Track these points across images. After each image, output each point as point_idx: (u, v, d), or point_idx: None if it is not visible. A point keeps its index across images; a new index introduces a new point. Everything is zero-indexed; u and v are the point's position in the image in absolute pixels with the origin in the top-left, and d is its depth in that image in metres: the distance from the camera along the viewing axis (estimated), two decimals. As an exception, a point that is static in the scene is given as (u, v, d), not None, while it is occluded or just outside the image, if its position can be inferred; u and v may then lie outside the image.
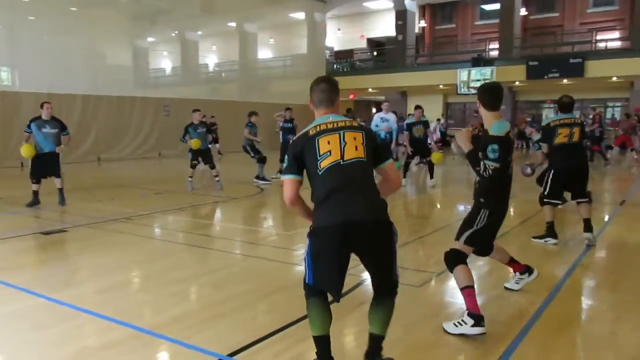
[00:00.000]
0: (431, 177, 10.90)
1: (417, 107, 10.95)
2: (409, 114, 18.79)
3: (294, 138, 2.84)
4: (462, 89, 24.15)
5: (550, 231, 5.89)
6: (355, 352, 3.24)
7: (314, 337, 2.77)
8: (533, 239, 5.97)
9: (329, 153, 2.65)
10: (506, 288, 4.26)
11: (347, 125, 2.74)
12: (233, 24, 28.92)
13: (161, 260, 5.46)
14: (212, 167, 10.69)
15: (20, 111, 16.37)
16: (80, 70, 18.26)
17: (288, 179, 2.74)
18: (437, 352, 3.20)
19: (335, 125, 2.73)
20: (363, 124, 2.98)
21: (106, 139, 18.50)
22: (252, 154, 11.69)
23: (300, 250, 5.33)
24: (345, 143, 2.67)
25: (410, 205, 9.03)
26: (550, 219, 5.90)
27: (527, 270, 4.16)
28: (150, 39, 30.90)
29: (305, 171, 2.75)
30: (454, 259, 3.56)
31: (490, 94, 3.60)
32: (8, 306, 4.00)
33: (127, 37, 25.87)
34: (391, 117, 11.77)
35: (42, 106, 8.51)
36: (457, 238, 3.64)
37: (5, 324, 3.66)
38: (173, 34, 30.51)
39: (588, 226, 5.75)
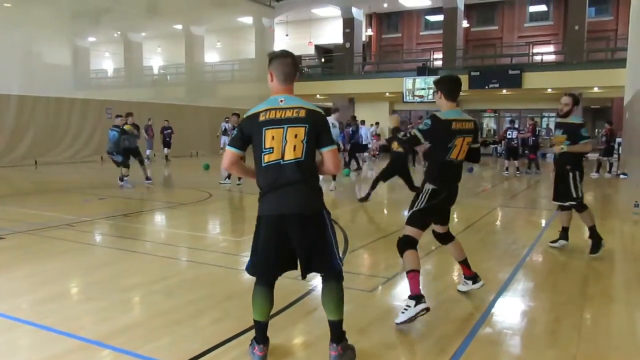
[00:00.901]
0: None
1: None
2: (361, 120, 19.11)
3: (247, 114, 2.99)
4: (408, 97, 24.73)
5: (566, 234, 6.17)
6: (308, 357, 3.25)
7: (254, 320, 3.05)
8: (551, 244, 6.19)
9: (271, 150, 2.87)
10: (458, 290, 4.40)
11: (292, 117, 2.88)
12: (179, 26, 28.43)
13: (107, 268, 5.27)
14: (142, 161, 11.86)
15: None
16: (15, 69, 17.40)
17: (230, 151, 3.00)
18: (392, 355, 3.25)
19: (283, 114, 2.88)
20: (319, 111, 2.99)
21: (44, 141, 17.72)
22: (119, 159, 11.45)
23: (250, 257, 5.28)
24: (287, 142, 2.86)
25: (359, 211, 9.15)
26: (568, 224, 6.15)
27: (473, 278, 4.27)
28: (91, 39, 29.85)
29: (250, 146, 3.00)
30: (403, 245, 3.78)
31: (452, 85, 3.85)
32: (-61, 319, 3.75)
33: (66, 36, 24.85)
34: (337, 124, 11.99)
35: None
36: (406, 222, 3.88)
37: (-63, 338, 3.43)
38: (116, 35, 29.62)
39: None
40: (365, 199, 9.61)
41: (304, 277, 3.04)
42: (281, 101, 2.92)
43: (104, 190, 10.84)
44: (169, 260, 5.55)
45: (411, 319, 3.55)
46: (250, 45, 27.81)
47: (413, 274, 3.63)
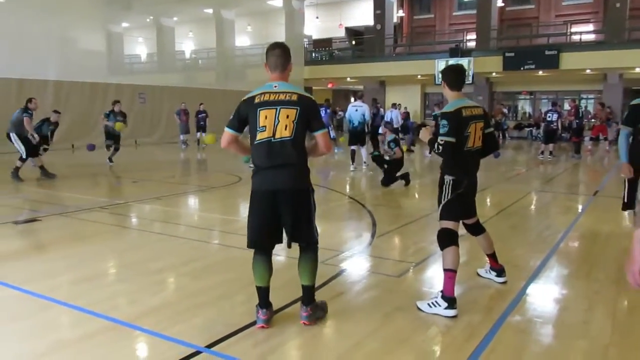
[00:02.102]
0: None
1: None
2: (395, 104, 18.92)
3: (244, 98, 3.30)
4: (440, 80, 24.26)
5: None
6: (334, 343, 3.25)
7: (256, 286, 3.38)
8: None
9: (264, 128, 3.18)
10: (477, 273, 4.38)
11: (285, 99, 3.20)
12: (210, 11, 28.48)
13: (137, 250, 5.38)
14: (117, 149, 12.67)
15: (-11, 96, 15.91)
16: (51, 55, 17.78)
17: (228, 132, 3.32)
18: (417, 341, 3.22)
19: (276, 97, 3.20)
20: (309, 96, 3.33)
21: (80, 126, 18.07)
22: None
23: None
24: (279, 122, 3.17)
25: (388, 195, 9.07)
26: None
27: (498, 270, 4.21)
28: (124, 25, 30.26)
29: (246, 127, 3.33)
30: (444, 239, 3.71)
31: (456, 75, 3.86)
32: (-22, 298, 3.90)
33: (100, 22, 25.24)
34: (364, 105, 12.30)
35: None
36: (439, 218, 3.85)
37: (-24, 317, 3.56)
38: (148, 20, 29.93)
39: None
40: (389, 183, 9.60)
41: (289, 246, 3.33)
42: (275, 86, 3.26)
43: (137, 174, 11.05)
44: (197, 243, 5.61)
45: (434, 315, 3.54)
46: (280, 29, 27.66)
47: (450, 274, 3.57)
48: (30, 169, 10.38)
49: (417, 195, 9.35)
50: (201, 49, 32.12)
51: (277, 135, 3.17)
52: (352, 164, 12.08)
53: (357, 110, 12.00)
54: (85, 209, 7.25)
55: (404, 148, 10.68)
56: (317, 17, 30.25)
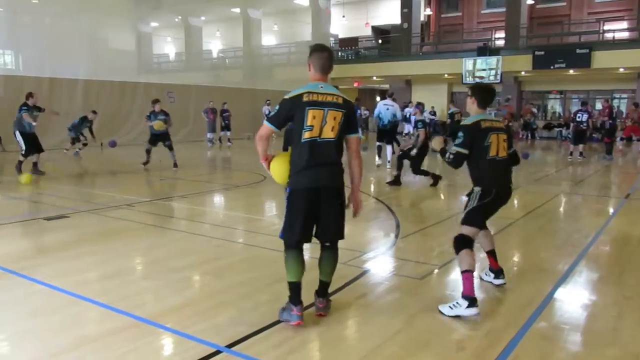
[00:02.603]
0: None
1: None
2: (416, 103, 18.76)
3: (289, 95, 3.32)
4: (468, 79, 23.96)
5: None
6: (355, 345, 3.22)
7: (288, 282, 3.39)
8: None
9: (311, 127, 3.24)
10: (480, 277, 4.27)
11: (333, 102, 3.30)
12: (237, 10, 28.70)
13: (162, 248, 5.44)
14: (170, 147, 11.74)
15: (22, 95, 16.30)
16: (82, 54, 18.15)
17: (268, 126, 3.37)
18: (438, 346, 3.17)
19: (324, 98, 3.28)
20: (351, 100, 3.45)
21: (109, 124, 18.41)
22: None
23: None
24: (326, 122, 3.26)
25: (413, 196, 8.98)
26: None
27: (497, 272, 4.18)
28: (153, 24, 30.71)
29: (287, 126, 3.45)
30: (460, 243, 3.77)
31: (489, 95, 4.03)
32: (8, 293, 3.99)
33: (130, 21, 25.64)
34: (395, 105, 12.38)
35: None
36: (461, 222, 3.95)
37: (6, 310, 3.65)
38: (177, 19, 30.31)
39: None
40: (435, 182, 9.54)
41: (319, 238, 3.45)
42: (321, 87, 3.32)
43: (164, 172, 11.18)
44: (221, 241, 5.64)
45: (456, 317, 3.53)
46: (307, 28, 27.70)
47: (468, 275, 3.61)
48: (71, 162, 10.61)
49: (442, 197, 9.23)
50: (228, 48, 32.39)
51: (323, 136, 3.26)
52: (379, 159, 12.50)
53: (388, 109, 12.13)
54: (112, 206, 7.37)
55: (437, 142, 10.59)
56: (343, 16, 30.20)
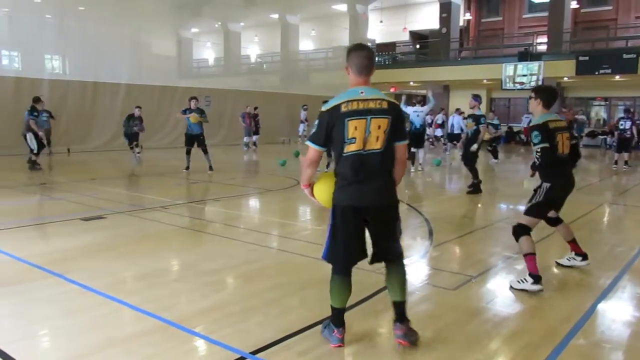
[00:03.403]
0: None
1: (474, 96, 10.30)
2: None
3: (326, 107, 3.01)
4: (508, 84, 23.45)
5: None
6: (380, 356, 3.13)
7: (332, 307, 3.15)
8: None
9: (354, 140, 2.93)
10: (557, 263, 4.85)
11: (376, 108, 2.95)
12: (275, 16, 28.97)
13: (193, 250, 5.48)
14: (205, 150, 11.60)
15: (67, 99, 16.88)
16: (125, 59, 18.64)
17: (313, 148, 3.04)
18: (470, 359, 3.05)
19: (365, 105, 2.94)
20: (397, 103, 3.13)
21: (148, 128, 18.81)
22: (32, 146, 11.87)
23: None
24: (370, 132, 2.92)
25: (447, 203, 8.80)
26: None
27: (583, 255, 4.73)
28: (194, 30, 31.36)
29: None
30: (519, 231, 4.29)
31: (553, 96, 4.39)
32: (44, 291, 4.07)
33: (171, 27, 26.25)
34: (425, 110, 12.84)
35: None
36: (523, 212, 4.46)
37: (37, 309, 3.71)
38: (216, 25, 30.83)
39: None
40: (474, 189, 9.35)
41: (371, 263, 3.16)
42: (361, 92, 2.98)
43: (199, 175, 11.31)
44: (252, 245, 5.63)
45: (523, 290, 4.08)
46: (344, 33, 27.71)
47: (530, 257, 4.15)
48: (133, 164, 10.87)
49: (479, 205, 9.00)
50: (266, 53, 32.73)
51: (367, 147, 2.94)
52: (412, 166, 12.48)
53: (418, 116, 12.43)
54: (148, 208, 7.49)
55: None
56: (381, 21, 30.07)
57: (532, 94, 4.39)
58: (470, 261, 5.26)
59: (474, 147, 9.25)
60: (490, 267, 4.91)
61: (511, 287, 4.17)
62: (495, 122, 17.27)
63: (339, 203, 3.04)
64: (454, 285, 4.38)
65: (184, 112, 11.75)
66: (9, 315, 3.64)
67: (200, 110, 11.60)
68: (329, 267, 3.15)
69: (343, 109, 2.93)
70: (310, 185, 3.17)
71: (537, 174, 4.51)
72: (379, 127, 2.94)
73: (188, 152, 11.68)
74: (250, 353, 3.05)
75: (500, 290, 4.26)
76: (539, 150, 4.23)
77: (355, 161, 2.94)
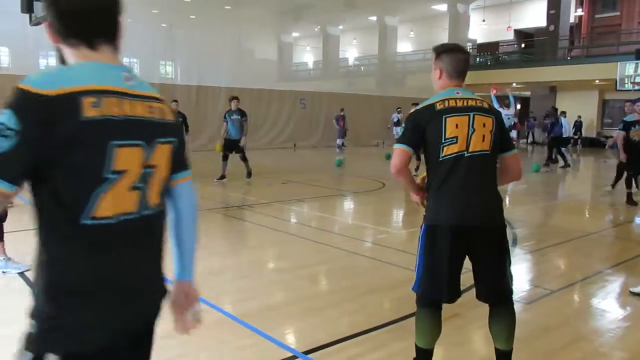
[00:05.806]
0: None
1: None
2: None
3: (418, 108, 2.60)
4: (627, 84, 21.51)
5: None
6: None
7: (417, 346, 2.65)
8: None
9: (454, 140, 2.44)
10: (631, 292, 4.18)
11: (477, 106, 2.51)
12: (374, 18, 28.94)
13: (267, 248, 5.63)
14: (244, 158, 10.66)
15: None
16: (228, 64, 19.60)
17: (400, 148, 2.52)
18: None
19: (465, 103, 2.50)
20: (495, 108, 2.72)
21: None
22: None
23: (406, 251, 5.13)
24: (474, 130, 2.45)
25: (533, 211, 8.26)
26: None
27: None
28: (294, 34, 32.20)
29: (420, 144, 2.57)
30: None
31: None
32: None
33: (273, 32, 27.14)
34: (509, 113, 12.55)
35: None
36: None
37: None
38: (316, 29, 31.43)
39: None
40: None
41: (478, 298, 2.65)
42: (457, 93, 2.56)
43: (288, 175, 11.61)
44: (323, 246, 5.67)
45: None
46: (443, 34, 27.04)
47: None
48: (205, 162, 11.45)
49: (566, 216, 8.33)
50: (363, 55, 32.80)
51: (472, 148, 2.44)
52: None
53: (509, 119, 12.62)
54: (232, 205, 7.82)
55: None
56: (483, 20, 28.95)
57: None
58: (551, 275, 4.91)
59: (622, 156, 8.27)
60: (572, 282, 4.56)
61: (632, 293, 4.08)
62: None
63: (434, 222, 2.51)
64: (528, 299, 4.12)
65: (225, 117, 10.73)
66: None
67: (242, 113, 10.64)
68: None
69: (439, 106, 2.49)
70: (423, 192, 2.65)
71: None
72: (484, 125, 2.47)
73: (225, 158, 10.68)
74: (302, 352, 3.08)
75: (580, 308, 3.94)
76: None
77: (457, 167, 2.44)
